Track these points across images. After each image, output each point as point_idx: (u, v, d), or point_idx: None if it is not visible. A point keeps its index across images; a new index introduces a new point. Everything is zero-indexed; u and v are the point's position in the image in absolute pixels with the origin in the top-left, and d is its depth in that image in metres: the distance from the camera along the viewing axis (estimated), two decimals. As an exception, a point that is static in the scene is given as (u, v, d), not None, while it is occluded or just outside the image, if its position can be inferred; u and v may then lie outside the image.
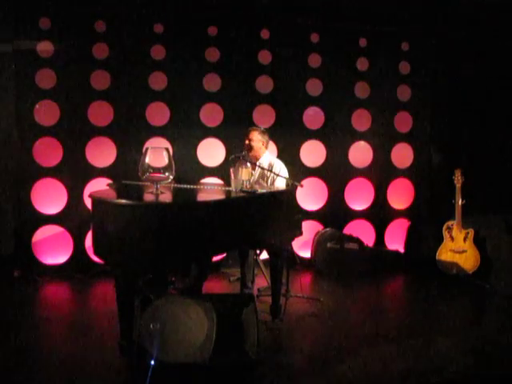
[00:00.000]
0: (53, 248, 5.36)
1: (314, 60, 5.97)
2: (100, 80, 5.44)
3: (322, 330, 3.95)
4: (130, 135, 5.47)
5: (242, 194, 3.53)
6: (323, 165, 6.01)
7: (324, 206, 6.03)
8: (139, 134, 5.46)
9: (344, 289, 5.09)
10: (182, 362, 2.97)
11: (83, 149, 5.42)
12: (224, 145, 5.69)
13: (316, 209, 6.01)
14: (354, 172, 6.14)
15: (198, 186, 4.12)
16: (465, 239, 5.22)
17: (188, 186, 3.92)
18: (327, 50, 5.96)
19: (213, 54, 5.69)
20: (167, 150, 3.27)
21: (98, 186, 5.04)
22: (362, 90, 6.11)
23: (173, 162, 3.22)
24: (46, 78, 5.31)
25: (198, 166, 5.65)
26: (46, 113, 5.33)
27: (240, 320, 3.15)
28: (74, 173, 5.39)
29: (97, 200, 3.17)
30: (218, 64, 5.70)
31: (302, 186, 4.08)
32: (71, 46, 5.34)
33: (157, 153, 3.24)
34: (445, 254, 5.27)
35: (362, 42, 6.08)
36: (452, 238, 5.26)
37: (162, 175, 3.18)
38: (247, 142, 4.46)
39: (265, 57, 5.83)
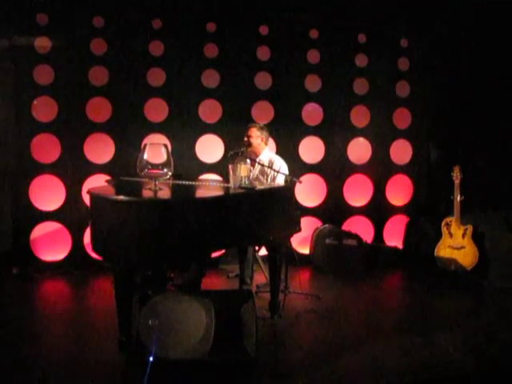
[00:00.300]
0: (51, 245, 5.36)
1: (313, 56, 5.95)
2: (98, 76, 5.43)
3: (320, 326, 3.95)
4: (128, 131, 5.47)
5: (240, 191, 3.52)
6: (322, 161, 6.01)
7: (323, 203, 6.03)
8: (138, 131, 5.46)
9: (343, 285, 5.09)
10: (180, 359, 2.97)
11: (81, 145, 5.41)
12: (223, 141, 5.68)
13: (315, 205, 6.01)
14: (352, 168, 6.13)
15: (197, 183, 4.12)
16: (463, 235, 5.22)
17: (187, 183, 3.91)
18: (326, 46, 5.94)
19: (211, 50, 5.68)
20: (166, 146, 3.26)
21: (97, 182, 5.02)
22: (360, 86, 6.10)
23: (171, 159, 3.21)
24: (43, 74, 5.31)
25: (197, 162, 5.65)
26: (44, 109, 5.32)
27: (239, 316, 3.15)
28: (73, 169, 5.39)
29: (95, 196, 3.17)
30: (217, 60, 5.69)
31: (300, 182, 4.07)
32: (69, 42, 5.34)
33: (155, 149, 3.24)
34: (443, 250, 5.27)
35: (361, 39, 6.06)
36: (450, 235, 5.26)
37: (160, 171, 3.18)
38: (246, 138, 4.47)
39: (264, 53, 5.81)
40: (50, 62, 5.31)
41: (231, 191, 3.57)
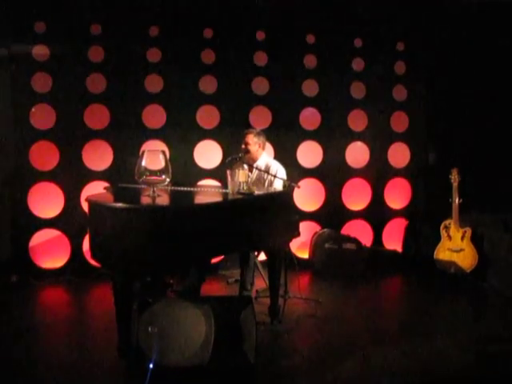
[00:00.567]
0: (50, 252, 5.35)
1: (310, 61, 5.97)
2: (96, 83, 5.44)
3: (320, 330, 3.94)
4: (126, 138, 5.47)
5: (239, 196, 3.52)
6: (320, 165, 6.02)
7: (321, 207, 6.03)
8: (136, 137, 5.46)
9: (342, 289, 5.09)
10: (180, 365, 2.97)
11: (80, 152, 5.42)
12: (221, 147, 5.69)
13: (313, 209, 6.01)
14: (350, 172, 6.14)
15: (195, 189, 4.12)
16: (462, 238, 5.23)
17: (185, 189, 3.92)
18: (323, 51, 5.96)
19: (209, 56, 5.70)
20: (164, 152, 3.26)
21: (95, 189, 5.02)
22: (357, 90, 6.12)
23: (169, 165, 3.21)
24: (42, 82, 5.31)
25: (195, 168, 5.65)
26: (43, 116, 5.33)
27: (238, 322, 3.14)
28: (71, 176, 5.38)
29: (93, 204, 3.17)
30: (214, 66, 5.70)
31: (298, 187, 4.07)
32: (67, 50, 5.35)
33: (153, 155, 3.23)
34: (442, 252, 5.27)
35: (358, 43, 6.09)
36: (449, 237, 5.27)
37: (158, 178, 3.17)
38: (244, 146, 4.46)
39: (261, 58, 5.83)
40: (48, 69, 5.32)
41: (229, 197, 3.57)
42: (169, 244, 2.92)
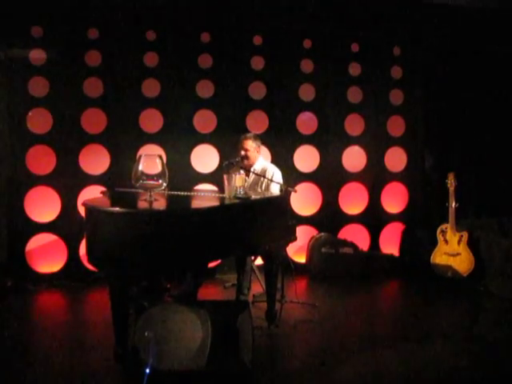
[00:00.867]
0: (47, 256, 5.34)
1: (307, 65, 5.99)
2: (93, 87, 5.44)
3: (317, 335, 3.94)
4: (123, 142, 5.47)
5: (235, 201, 3.52)
6: (317, 170, 6.02)
7: (318, 211, 6.03)
8: (133, 141, 5.46)
9: (339, 293, 5.09)
10: (177, 370, 2.96)
11: (77, 156, 5.41)
12: (218, 151, 5.69)
13: (310, 214, 6.01)
14: (347, 176, 6.15)
15: (192, 193, 4.12)
16: (459, 242, 5.24)
17: (182, 193, 3.91)
18: (320, 56, 5.98)
19: (206, 61, 5.71)
20: (160, 157, 3.27)
21: (92, 193, 5.02)
22: (354, 94, 6.13)
23: (166, 169, 3.21)
24: (38, 86, 5.31)
25: (192, 172, 5.65)
26: (39, 120, 5.32)
27: (235, 327, 3.14)
28: (68, 180, 5.37)
29: (90, 208, 3.16)
30: (211, 70, 5.71)
31: (295, 191, 4.08)
32: (64, 54, 5.35)
33: (150, 160, 3.24)
34: (439, 257, 5.28)
35: (354, 47, 6.11)
36: (446, 241, 5.28)
37: (155, 182, 3.17)
38: (243, 152, 4.42)
39: (258, 63, 5.85)
40: (44, 73, 5.32)
41: (226, 201, 3.57)
42: (165, 248, 2.92)
